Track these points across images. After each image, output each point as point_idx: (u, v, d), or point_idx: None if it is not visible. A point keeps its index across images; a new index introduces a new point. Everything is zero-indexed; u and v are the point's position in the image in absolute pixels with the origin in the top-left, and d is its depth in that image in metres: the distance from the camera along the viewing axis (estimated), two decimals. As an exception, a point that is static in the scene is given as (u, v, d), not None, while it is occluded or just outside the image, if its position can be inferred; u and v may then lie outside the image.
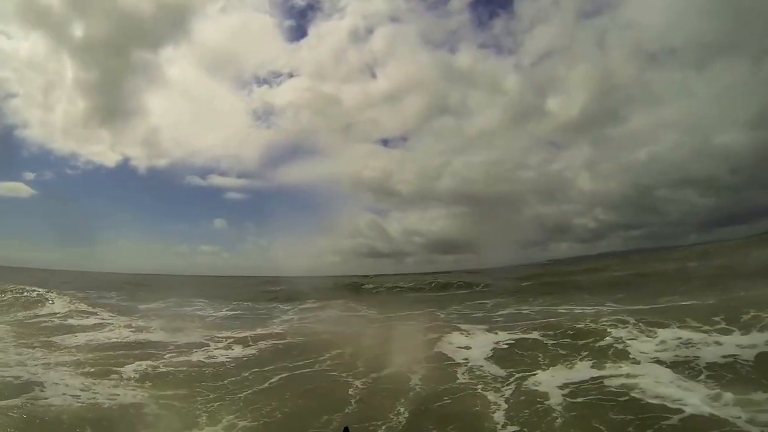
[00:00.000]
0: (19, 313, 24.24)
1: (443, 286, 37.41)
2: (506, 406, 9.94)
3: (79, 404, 10.14)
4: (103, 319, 22.51)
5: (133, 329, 19.97)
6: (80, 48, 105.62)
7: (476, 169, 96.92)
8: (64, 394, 10.72)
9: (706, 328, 12.86)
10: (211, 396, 11.19)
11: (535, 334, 15.02)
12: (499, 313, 22.62)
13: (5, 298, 27.89)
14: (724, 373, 10.16)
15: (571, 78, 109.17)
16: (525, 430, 8.77)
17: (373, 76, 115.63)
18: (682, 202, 73.38)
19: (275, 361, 14.24)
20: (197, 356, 15.06)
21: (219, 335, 18.32)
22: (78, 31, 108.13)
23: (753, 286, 17.87)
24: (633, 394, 9.56)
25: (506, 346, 14.27)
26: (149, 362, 13.97)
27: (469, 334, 16.10)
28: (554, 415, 9.25)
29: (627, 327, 14.12)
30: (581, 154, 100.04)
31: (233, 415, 9.92)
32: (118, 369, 13.14)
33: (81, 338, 18.11)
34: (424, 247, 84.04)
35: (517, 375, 11.80)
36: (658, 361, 11.22)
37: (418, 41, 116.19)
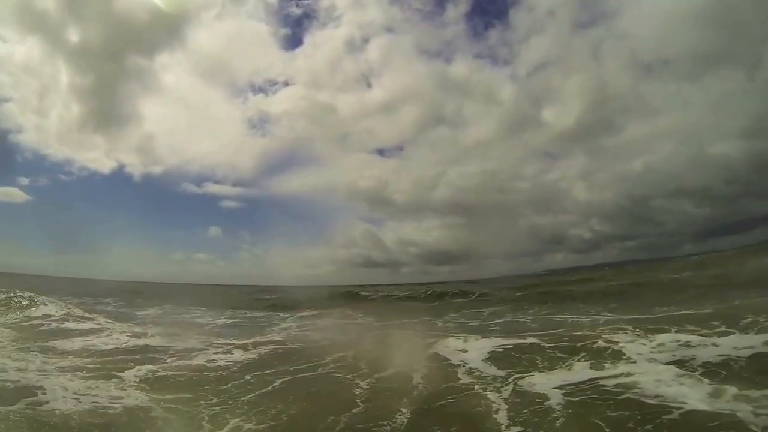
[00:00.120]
0: (14, 318, 23.97)
1: (439, 295, 37.46)
2: (506, 406, 10.09)
3: (83, 408, 10.08)
4: (100, 325, 22.32)
5: (131, 335, 19.81)
6: (76, 53, 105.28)
7: (471, 179, 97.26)
8: (64, 397, 10.66)
9: (704, 331, 13.10)
10: (215, 400, 11.20)
11: (531, 339, 15.16)
12: (495, 321, 22.78)
13: None
14: (722, 372, 10.35)
15: (567, 88, 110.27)
16: (528, 430, 8.88)
17: (369, 85, 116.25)
18: (677, 213, 73.98)
19: (277, 365, 14.28)
20: (198, 360, 15.04)
21: (218, 341, 18.28)
22: (74, 36, 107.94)
23: (750, 294, 18.10)
24: (632, 393, 9.73)
25: (503, 350, 14.44)
26: (150, 366, 13.94)
27: (466, 339, 16.21)
28: (555, 413, 9.40)
29: (624, 332, 14.33)
30: (576, 165, 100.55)
31: (238, 419, 9.93)
32: (119, 373, 13.09)
33: (78, 343, 17.96)
34: (419, 257, 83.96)
35: (515, 375, 11.95)
36: (657, 362, 11.41)
37: (414, 51, 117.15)
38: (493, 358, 13.70)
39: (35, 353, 15.55)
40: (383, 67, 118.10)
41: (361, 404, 10.81)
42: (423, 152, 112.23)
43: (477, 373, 12.50)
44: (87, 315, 24.74)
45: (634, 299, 25.13)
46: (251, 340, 18.29)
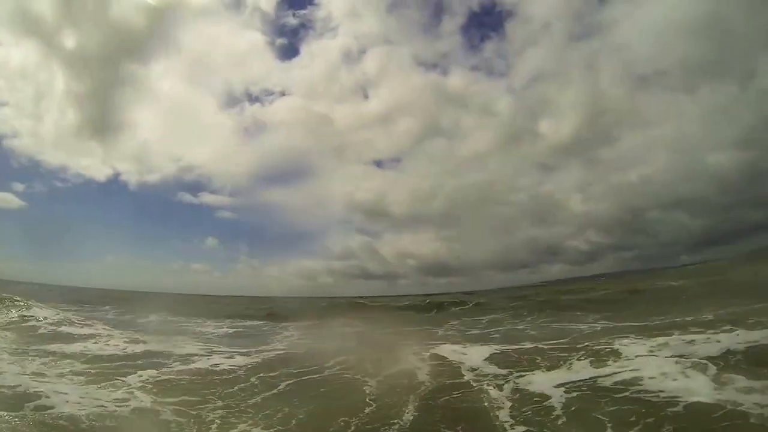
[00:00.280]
0: (9, 324, 23.73)
1: (438, 304, 37.46)
2: (509, 403, 10.27)
3: (90, 412, 10.06)
4: (98, 331, 22.13)
5: (129, 341, 19.70)
6: (72, 58, 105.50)
7: (469, 191, 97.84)
8: (68, 402, 10.60)
9: (709, 331, 13.22)
10: (221, 403, 11.23)
11: (531, 343, 15.35)
12: (495, 328, 22.89)
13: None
14: (725, 364, 10.49)
15: (562, 100, 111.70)
16: (532, 429, 9.00)
17: (366, 96, 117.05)
18: (673, 223, 74.58)
19: (281, 368, 14.33)
20: (201, 365, 15.00)
21: (219, 348, 18.22)
22: (70, 41, 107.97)
23: (748, 301, 18.26)
24: (634, 388, 9.93)
25: (503, 352, 14.70)
26: (153, 371, 13.91)
27: (467, 344, 16.41)
28: (557, 410, 9.56)
29: (625, 336, 14.49)
30: (573, 176, 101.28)
31: (245, 423, 9.98)
32: (122, 378, 13.03)
33: (77, 349, 17.82)
34: (417, 269, 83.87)
35: (516, 374, 12.14)
36: (658, 358, 11.53)
37: (411, 63, 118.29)
38: (494, 358, 13.89)
39: (34, 357, 15.47)
40: (380, 78, 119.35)
41: (368, 405, 10.91)
42: (420, 164, 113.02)
43: (479, 372, 12.70)
44: (85, 322, 24.54)
45: (633, 307, 25.24)
46: (253, 348, 18.31)
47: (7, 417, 9.24)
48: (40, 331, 21.49)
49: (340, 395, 11.66)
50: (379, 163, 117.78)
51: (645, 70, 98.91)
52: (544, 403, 10.03)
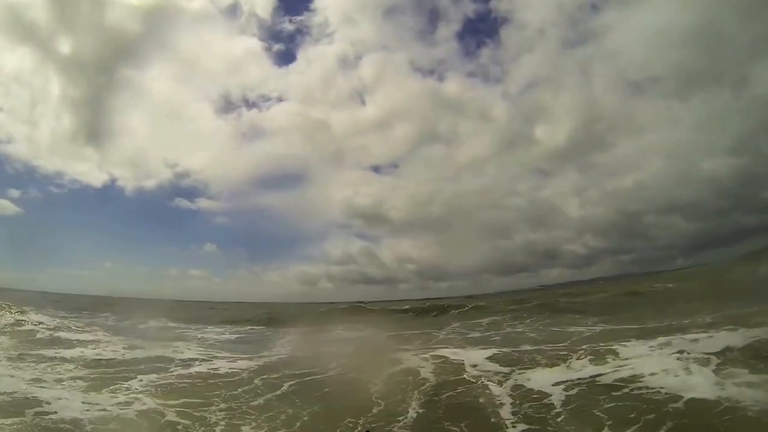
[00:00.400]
0: (7, 330, 23.64)
1: (439, 307, 37.50)
2: (510, 399, 10.43)
3: (93, 416, 10.08)
4: (98, 338, 22.13)
5: (130, 347, 19.66)
6: (67, 64, 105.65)
7: (466, 196, 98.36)
8: (69, 407, 10.56)
9: (707, 330, 13.36)
10: (225, 405, 11.27)
11: (531, 344, 15.44)
12: (495, 330, 22.95)
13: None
14: (723, 362, 10.54)
15: (557, 106, 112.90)
16: (534, 427, 9.08)
17: (363, 102, 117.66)
18: (669, 227, 75.18)
19: (284, 371, 14.35)
20: (203, 369, 15.02)
21: (221, 354, 18.25)
22: (65, 46, 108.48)
23: (745, 303, 18.40)
24: (634, 386, 10.04)
25: (504, 352, 14.83)
26: (155, 375, 13.94)
27: (468, 345, 16.50)
28: (558, 407, 9.70)
29: (623, 336, 14.59)
30: (569, 181, 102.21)
31: (249, 426, 10.00)
32: (124, 382, 13.04)
33: (76, 354, 17.79)
34: (416, 273, 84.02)
35: (518, 372, 12.28)
36: (657, 357, 11.63)
37: (407, 69, 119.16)
38: (495, 358, 13.97)
39: (33, 363, 15.45)
40: (376, 84, 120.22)
41: (374, 403, 10.99)
42: (418, 169, 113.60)
43: (480, 371, 12.83)
44: (84, 328, 24.52)
45: (632, 310, 25.36)
46: (255, 354, 18.35)
47: (9, 423, 9.28)
48: (38, 336, 21.55)
49: (345, 395, 11.71)
50: (376, 169, 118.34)
51: (638, 77, 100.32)
52: (545, 401, 10.14)
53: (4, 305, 28.30)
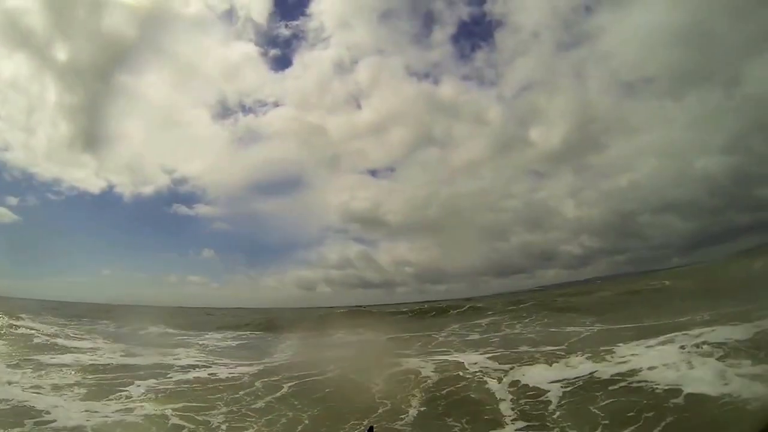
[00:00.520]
0: (4, 337, 23.55)
1: (438, 309, 37.61)
2: (510, 396, 10.60)
3: (95, 422, 10.13)
4: (97, 345, 22.10)
5: (130, 354, 19.65)
6: (64, 70, 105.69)
7: (463, 198, 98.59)
8: (69, 417, 10.54)
9: (705, 326, 13.47)
10: (227, 409, 11.29)
11: (530, 344, 15.54)
12: (494, 331, 23.00)
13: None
14: (723, 356, 10.64)
15: (552, 108, 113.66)
16: (533, 423, 9.21)
17: (359, 106, 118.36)
18: (664, 226, 75.71)
19: (284, 374, 14.40)
20: (204, 374, 15.02)
21: (221, 359, 18.27)
22: (61, 53, 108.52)
23: (741, 299, 18.52)
24: (634, 380, 10.17)
25: (502, 353, 15.02)
26: (157, 381, 13.96)
27: (467, 349, 16.58)
28: (557, 402, 9.89)
29: (622, 334, 14.70)
30: (564, 183, 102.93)
31: (252, 429, 10.07)
32: (126, 388, 13.06)
33: (76, 361, 17.70)
34: (414, 276, 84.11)
35: (517, 369, 12.39)
36: (656, 354, 11.70)
37: (402, 73, 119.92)
38: (495, 357, 14.10)
39: (29, 371, 15.35)
40: (372, 88, 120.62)
41: (373, 403, 11.08)
42: (414, 173, 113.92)
43: (480, 369, 12.94)
44: (84, 336, 24.49)
45: (630, 308, 25.42)
46: (256, 360, 18.34)
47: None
48: (35, 342, 21.40)
49: (347, 397, 11.75)
50: (373, 173, 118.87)
51: (632, 78, 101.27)
52: (543, 397, 10.26)
53: (2, 314, 28.26)
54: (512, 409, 9.85)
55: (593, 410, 9.13)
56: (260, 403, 11.62)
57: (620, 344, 13.08)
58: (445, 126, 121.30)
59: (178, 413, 10.70)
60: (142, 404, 11.48)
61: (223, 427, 10.09)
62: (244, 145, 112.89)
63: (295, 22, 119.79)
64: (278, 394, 12.28)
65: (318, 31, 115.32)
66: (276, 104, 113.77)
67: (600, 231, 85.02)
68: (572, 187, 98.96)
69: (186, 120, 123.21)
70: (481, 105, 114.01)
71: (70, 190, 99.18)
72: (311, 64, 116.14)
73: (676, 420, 8.19)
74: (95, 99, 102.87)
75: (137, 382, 13.68)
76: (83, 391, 12.84)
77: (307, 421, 10.34)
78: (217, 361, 17.96)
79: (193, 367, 16.36)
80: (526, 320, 25.38)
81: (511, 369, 12.42)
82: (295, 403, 11.50)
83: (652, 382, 9.80)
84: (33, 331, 24.62)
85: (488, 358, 14.24)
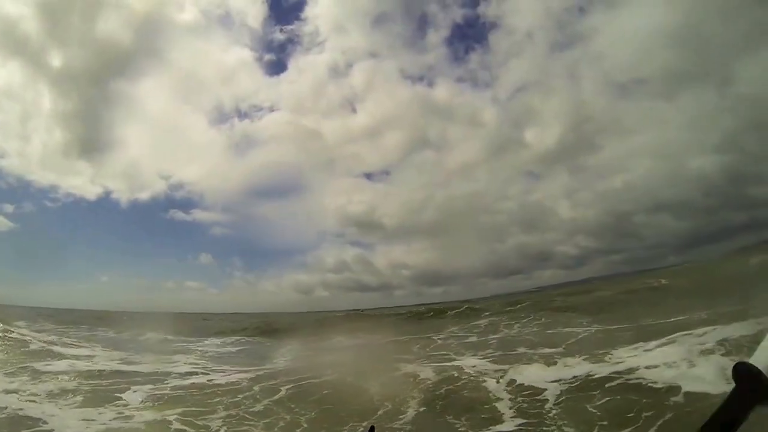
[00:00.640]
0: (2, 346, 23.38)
1: (435, 312, 37.62)
2: (508, 395, 10.66)
3: (94, 430, 9.99)
4: (94, 352, 21.95)
5: (128, 361, 19.51)
6: (58, 77, 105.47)
7: (458, 201, 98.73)
8: (65, 425, 10.48)
9: (703, 325, 13.51)
10: (225, 413, 11.26)
11: (526, 348, 15.56)
12: (492, 333, 23.02)
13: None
14: (723, 353, 10.68)
15: (546, 109, 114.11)
16: (531, 420, 9.19)
17: (353, 110, 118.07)
18: (659, 226, 76.09)
19: (282, 378, 14.36)
20: (203, 380, 14.96)
21: (219, 365, 18.21)
22: (56, 60, 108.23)
23: (738, 297, 18.59)
24: (631, 376, 10.21)
25: (501, 355, 15.07)
26: (153, 387, 13.88)
27: (466, 349, 16.57)
28: (554, 401, 9.94)
29: (620, 333, 14.72)
30: (559, 184, 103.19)
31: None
32: (126, 394, 13.00)
33: (70, 368, 17.49)
34: (411, 279, 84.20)
35: (515, 368, 12.42)
36: (654, 353, 11.75)
37: (397, 76, 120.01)
38: (493, 358, 14.12)
39: (25, 378, 15.24)
40: (367, 91, 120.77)
41: (373, 405, 11.09)
42: (409, 175, 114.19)
43: (479, 371, 12.94)
44: (82, 344, 24.32)
45: (628, 308, 25.46)
46: (254, 363, 18.27)
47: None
48: (32, 349, 21.25)
49: (346, 400, 11.73)
50: (369, 176, 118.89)
51: (625, 78, 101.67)
52: (541, 396, 10.31)
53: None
54: (510, 407, 9.91)
55: (591, 409, 9.17)
56: (259, 407, 11.61)
57: (618, 344, 13.14)
58: (439, 128, 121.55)
59: (178, 418, 10.65)
60: (141, 411, 11.39)
61: (222, 430, 10.04)
62: (240, 150, 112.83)
63: (290, 27, 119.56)
64: (276, 398, 12.27)
65: (313, 35, 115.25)
66: (272, 109, 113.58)
67: (596, 231, 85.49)
68: (567, 187, 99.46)
69: (182, 125, 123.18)
70: (475, 107, 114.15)
71: (67, 196, 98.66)
72: (306, 68, 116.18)
73: (675, 416, 8.22)
74: (90, 105, 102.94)
75: (135, 389, 13.61)
76: (80, 398, 12.73)
77: (305, 425, 10.31)
78: (216, 367, 17.88)
79: (192, 373, 16.30)
80: (524, 320, 25.43)
81: (510, 368, 12.44)
82: (293, 406, 11.51)
83: (650, 380, 9.83)
84: (29, 338, 24.47)
85: (486, 360, 14.27)
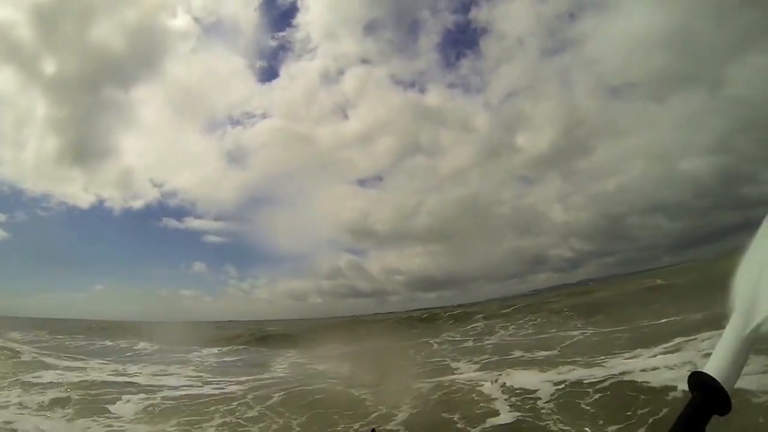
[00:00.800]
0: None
1: (430, 318, 37.56)
2: (504, 396, 10.62)
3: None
4: (89, 365, 21.64)
5: (117, 372, 19.26)
6: (52, 84, 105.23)
7: (451, 206, 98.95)
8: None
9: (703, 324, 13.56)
10: (221, 420, 11.14)
11: (521, 351, 15.58)
12: (488, 337, 23.06)
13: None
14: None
15: (538, 114, 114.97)
16: (527, 415, 9.17)
17: (345, 116, 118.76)
18: (652, 228, 76.93)
19: (278, 386, 14.28)
20: (196, 389, 14.85)
21: (214, 374, 18.11)
22: (49, 67, 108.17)
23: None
24: (628, 380, 10.17)
25: (498, 359, 15.05)
26: (146, 396, 13.76)
27: (462, 352, 16.56)
28: (548, 399, 9.92)
29: (616, 338, 14.73)
30: (552, 187, 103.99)
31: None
32: (114, 406, 12.80)
33: (62, 379, 17.14)
34: (405, 285, 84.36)
35: (511, 371, 12.38)
36: (652, 352, 11.75)
37: (389, 82, 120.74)
38: (489, 362, 14.11)
39: (17, 388, 15.02)
40: (359, 98, 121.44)
41: (369, 408, 11.00)
42: (402, 181, 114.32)
43: (474, 371, 12.96)
44: (75, 355, 24.04)
45: (624, 310, 25.50)
46: (249, 373, 18.11)
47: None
48: (25, 360, 20.97)
49: (341, 405, 11.69)
50: (361, 182, 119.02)
51: (617, 82, 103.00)
52: (533, 395, 10.28)
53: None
54: (506, 406, 9.86)
55: (584, 406, 9.16)
56: (252, 413, 11.50)
57: (615, 348, 13.16)
58: (431, 134, 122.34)
59: (172, 428, 10.54)
60: (135, 422, 11.30)
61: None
62: (232, 157, 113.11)
63: (281, 34, 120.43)
64: (268, 403, 12.18)
65: (304, 41, 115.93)
66: (264, 116, 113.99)
67: (589, 234, 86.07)
68: (560, 191, 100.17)
69: (174, 133, 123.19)
70: (467, 112, 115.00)
71: (60, 205, 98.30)
72: (298, 75, 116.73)
73: (672, 412, 8.19)
74: (83, 112, 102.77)
75: (128, 399, 13.45)
76: (71, 410, 12.54)
77: (298, 429, 10.27)
78: (210, 378, 17.70)
79: (187, 383, 16.12)
80: (520, 322, 25.43)
81: (505, 372, 12.42)
82: (284, 410, 11.42)
83: (646, 381, 9.82)
84: (21, 349, 24.18)
85: (482, 363, 14.24)
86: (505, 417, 9.23)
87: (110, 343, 32.60)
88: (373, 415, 10.39)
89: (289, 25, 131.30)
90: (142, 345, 31.16)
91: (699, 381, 1.04)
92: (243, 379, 16.39)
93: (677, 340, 12.51)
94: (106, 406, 12.75)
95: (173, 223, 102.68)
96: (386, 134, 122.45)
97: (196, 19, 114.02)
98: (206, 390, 14.62)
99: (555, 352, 14.95)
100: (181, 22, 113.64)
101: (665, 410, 8.32)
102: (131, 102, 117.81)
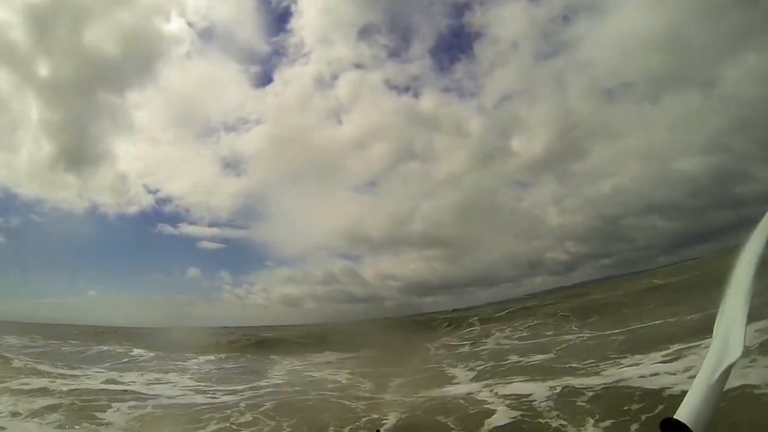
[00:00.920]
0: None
1: (425, 322, 37.51)
2: (500, 400, 10.53)
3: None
4: (85, 373, 21.35)
5: (108, 380, 18.99)
6: (46, 87, 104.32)
7: (445, 211, 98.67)
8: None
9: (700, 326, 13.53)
10: (216, 426, 10.99)
11: (518, 356, 15.52)
12: (483, 341, 22.99)
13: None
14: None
15: (533, 117, 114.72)
16: (525, 412, 9.06)
17: (339, 122, 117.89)
18: (647, 228, 76.86)
19: (270, 391, 14.28)
20: (191, 397, 14.69)
21: (208, 382, 17.95)
22: (43, 70, 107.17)
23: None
24: (627, 380, 10.06)
25: (495, 363, 14.92)
26: (139, 403, 13.60)
27: (459, 356, 16.48)
28: (545, 401, 9.79)
29: (613, 340, 14.70)
30: (547, 191, 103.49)
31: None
32: (106, 414, 12.64)
33: (54, 386, 16.89)
34: (400, 290, 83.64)
35: (507, 376, 12.29)
36: (651, 354, 11.68)
37: (383, 87, 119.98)
38: (486, 368, 14.00)
39: (8, 395, 14.80)
40: (352, 103, 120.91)
41: (347, 412, 10.89)
42: (396, 187, 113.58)
43: (471, 376, 12.80)
44: (68, 363, 23.72)
45: (621, 310, 25.50)
46: (244, 381, 17.95)
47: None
48: (17, 366, 20.72)
49: (337, 410, 11.60)
50: (355, 188, 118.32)
51: (611, 84, 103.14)
52: (530, 397, 10.22)
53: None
54: (503, 409, 9.80)
55: (581, 404, 9.11)
56: (245, 418, 11.37)
57: (611, 351, 13.11)
58: (426, 139, 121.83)
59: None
60: (137, 426, 11.16)
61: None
62: (227, 163, 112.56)
63: (275, 38, 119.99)
64: (261, 410, 12.05)
65: (298, 46, 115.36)
66: (258, 121, 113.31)
67: (585, 236, 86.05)
68: (556, 194, 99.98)
69: (168, 138, 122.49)
70: (461, 116, 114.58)
71: (54, 210, 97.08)
72: (292, 79, 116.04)
73: (667, 409, 8.13)
74: (77, 117, 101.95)
75: (119, 406, 13.30)
76: (62, 417, 12.38)
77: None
78: (205, 387, 17.51)
79: (182, 392, 15.96)
80: (516, 325, 25.37)
81: (500, 376, 12.38)
82: (277, 416, 11.32)
83: (644, 382, 9.80)
84: (13, 355, 23.92)
85: (478, 369, 14.16)
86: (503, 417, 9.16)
87: (104, 350, 32.29)
88: (363, 420, 10.33)
89: (283, 29, 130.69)
90: (137, 351, 30.86)
91: (670, 427, 1.10)
92: (238, 387, 16.29)
93: (675, 346, 12.45)
94: (98, 414, 12.58)
95: (168, 229, 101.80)
96: (380, 139, 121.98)
97: (190, 24, 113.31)
98: (200, 399, 14.41)
99: (551, 355, 14.88)
100: (175, 26, 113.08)
101: (660, 407, 8.32)
102: (126, 106, 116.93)
